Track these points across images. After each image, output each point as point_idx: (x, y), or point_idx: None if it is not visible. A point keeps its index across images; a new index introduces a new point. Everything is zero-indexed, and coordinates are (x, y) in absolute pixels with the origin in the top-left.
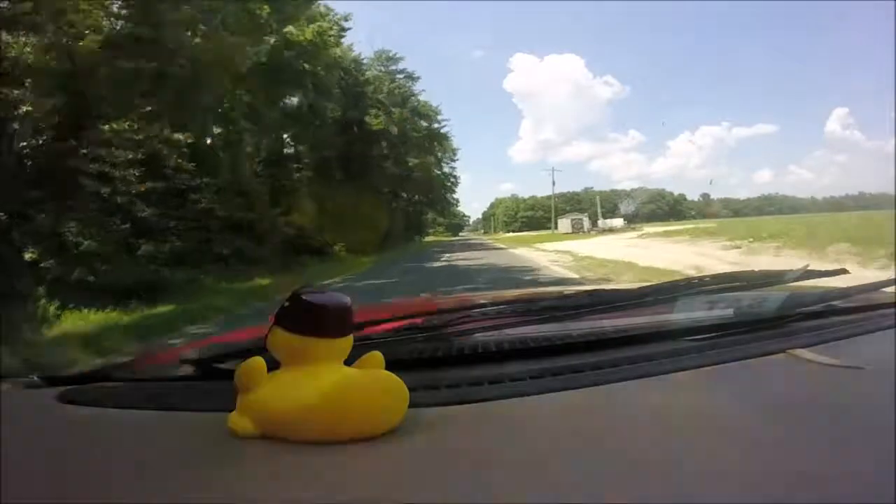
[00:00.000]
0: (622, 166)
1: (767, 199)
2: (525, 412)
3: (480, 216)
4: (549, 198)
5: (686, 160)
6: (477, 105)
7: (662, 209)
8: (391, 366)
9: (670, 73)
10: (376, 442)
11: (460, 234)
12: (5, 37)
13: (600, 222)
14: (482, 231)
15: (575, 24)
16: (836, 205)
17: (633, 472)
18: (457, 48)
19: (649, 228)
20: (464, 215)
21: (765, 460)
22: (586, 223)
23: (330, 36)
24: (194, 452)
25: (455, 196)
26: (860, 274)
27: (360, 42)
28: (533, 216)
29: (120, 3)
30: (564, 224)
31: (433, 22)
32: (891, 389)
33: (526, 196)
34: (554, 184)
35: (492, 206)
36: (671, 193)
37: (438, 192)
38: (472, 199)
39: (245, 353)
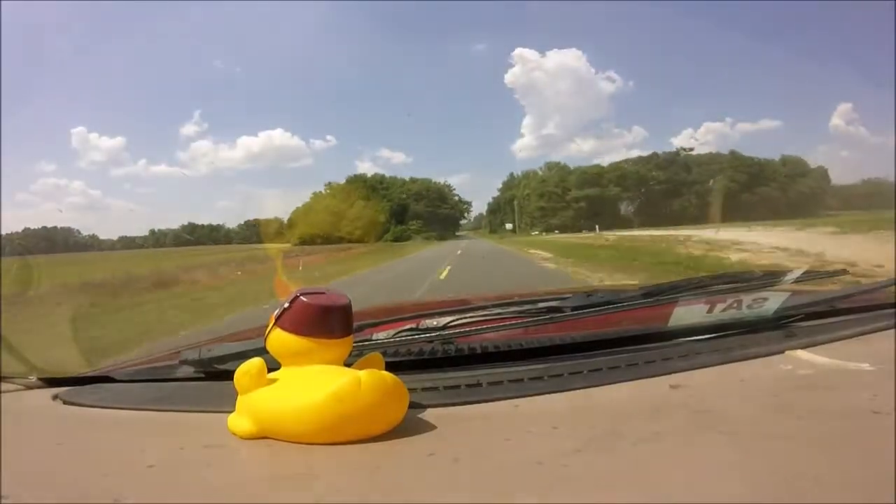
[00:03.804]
0: None
1: (877, 185)
2: (525, 412)
3: (485, 212)
4: (629, 162)
5: None
6: (478, 100)
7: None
8: (391, 366)
9: (674, 69)
10: (376, 442)
11: (458, 234)
12: None
13: None
14: (488, 230)
15: (577, 18)
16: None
17: (632, 472)
18: (458, 42)
19: None
20: (462, 201)
21: (765, 460)
22: None
23: None
24: (194, 452)
25: None
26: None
27: None
28: (602, 196)
29: None
30: None
31: (434, 16)
32: (891, 389)
33: (571, 165)
34: None
35: (507, 186)
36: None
37: None
38: (472, 198)
39: (245, 353)
